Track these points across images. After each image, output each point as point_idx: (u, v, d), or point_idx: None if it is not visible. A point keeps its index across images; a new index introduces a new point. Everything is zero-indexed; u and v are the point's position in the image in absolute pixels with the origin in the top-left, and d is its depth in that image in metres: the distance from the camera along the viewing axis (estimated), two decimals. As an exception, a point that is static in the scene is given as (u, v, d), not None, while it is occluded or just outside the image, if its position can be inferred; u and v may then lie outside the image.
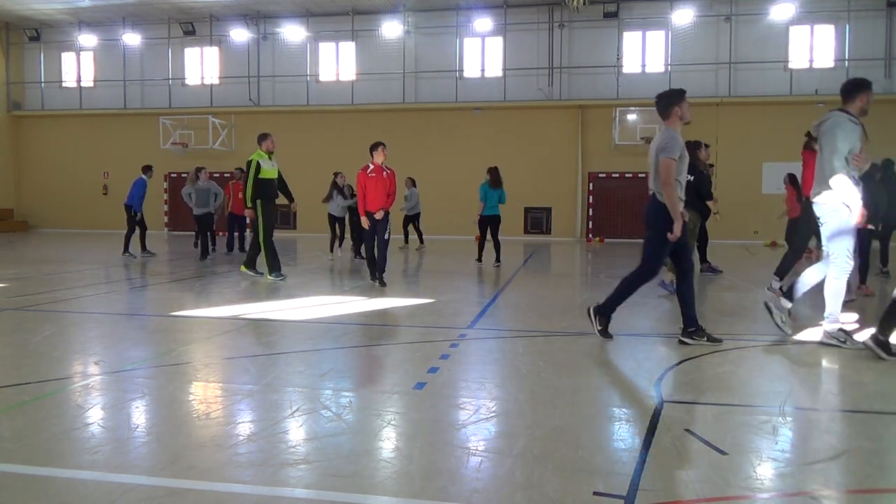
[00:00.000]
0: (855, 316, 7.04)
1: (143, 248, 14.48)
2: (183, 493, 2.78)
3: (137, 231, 14.40)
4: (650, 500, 2.70)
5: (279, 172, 10.61)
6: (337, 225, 14.57)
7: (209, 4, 23.06)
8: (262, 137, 10.26)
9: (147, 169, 14.60)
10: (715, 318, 7.40)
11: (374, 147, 9.62)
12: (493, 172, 12.63)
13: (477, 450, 3.26)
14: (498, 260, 12.48)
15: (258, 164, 9.99)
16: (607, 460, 3.16)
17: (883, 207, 9.27)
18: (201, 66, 25.02)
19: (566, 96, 22.45)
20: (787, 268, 8.65)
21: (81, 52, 25.71)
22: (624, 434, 3.55)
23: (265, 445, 3.30)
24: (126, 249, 14.16)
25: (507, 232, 21.53)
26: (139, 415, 3.88)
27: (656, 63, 22.26)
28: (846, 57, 20.93)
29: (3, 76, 25.82)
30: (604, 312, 5.84)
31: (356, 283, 10.41)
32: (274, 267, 10.19)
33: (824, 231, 5.57)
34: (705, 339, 5.65)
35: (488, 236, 12.68)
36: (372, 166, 9.57)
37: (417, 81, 23.37)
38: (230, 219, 15.44)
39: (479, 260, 13.02)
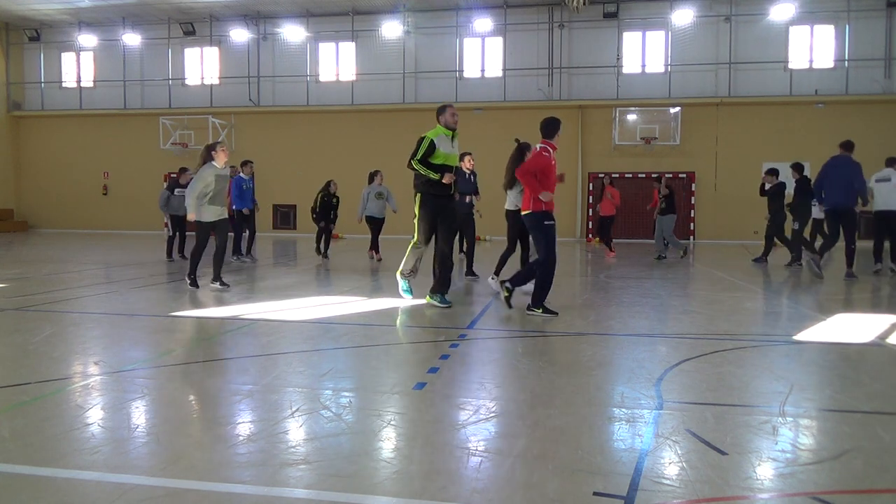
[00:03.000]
0: None
1: (242, 251, 13.57)
2: (183, 493, 2.78)
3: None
4: (650, 500, 2.70)
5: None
6: (375, 226, 13.90)
7: (209, 4, 23.07)
8: (441, 110, 7.61)
9: (245, 164, 13.45)
10: (715, 317, 7.40)
11: (557, 125, 7.38)
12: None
13: (477, 450, 3.26)
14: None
15: (432, 143, 7.40)
16: (607, 460, 3.16)
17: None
18: (201, 66, 25.03)
19: (566, 96, 22.46)
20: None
21: (81, 53, 25.72)
22: (624, 434, 3.55)
23: (265, 445, 3.30)
24: (238, 252, 13.52)
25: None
26: (139, 415, 3.88)
27: (656, 63, 22.28)
28: (846, 57, 20.94)
29: (3, 76, 25.82)
30: None
31: (357, 283, 10.41)
32: (442, 284, 7.69)
33: None
34: None
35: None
36: (551, 149, 7.38)
37: (417, 81, 23.38)
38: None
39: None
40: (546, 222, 7.15)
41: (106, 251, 16.52)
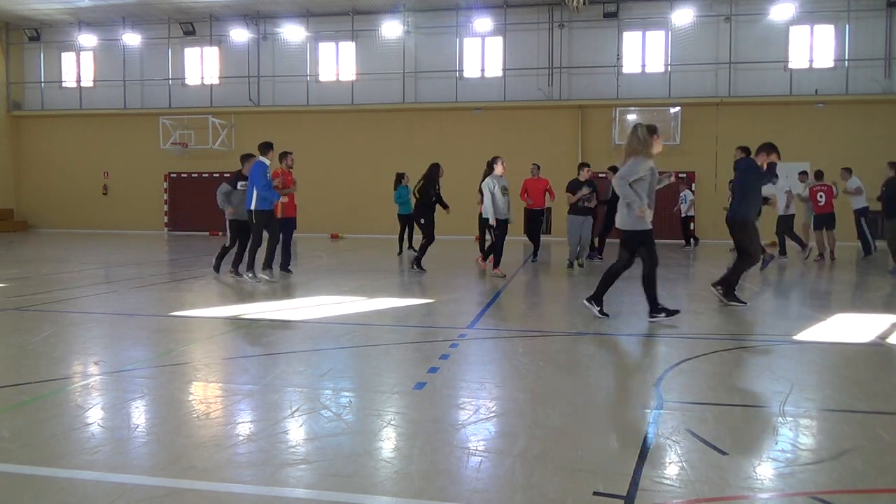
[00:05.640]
0: None
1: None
2: (183, 493, 2.78)
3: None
4: (650, 500, 2.70)
5: None
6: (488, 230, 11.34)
7: (209, 4, 23.06)
8: None
9: (264, 147, 9.98)
10: (715, 317, 7.39)
11: None
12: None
13: (477, 450, 3.26)
14: (411, 248, 15.16)
15: None
16: (607, 460, 3.16)
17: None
18: (201, 66, 25.01)
19: (566, 96, 22.44)
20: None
21: (81, 52, 25.69)
22: (624, 434, 3.55)
23: (265, 445, 3.30)
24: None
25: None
26: (139, 415, 3.88)
27: (656, 63, 22.26)
28: (846, 57, 20.92)
29: (3, 76, 25.80)
30: None
31: (357, 283, 10.41)
32: None
33: None
34: None
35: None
36: None
37: (417, 81, 23.36)
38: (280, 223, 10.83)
39: (401, 253, 15.31)
40: None
41: (106, 251, 16.52)
